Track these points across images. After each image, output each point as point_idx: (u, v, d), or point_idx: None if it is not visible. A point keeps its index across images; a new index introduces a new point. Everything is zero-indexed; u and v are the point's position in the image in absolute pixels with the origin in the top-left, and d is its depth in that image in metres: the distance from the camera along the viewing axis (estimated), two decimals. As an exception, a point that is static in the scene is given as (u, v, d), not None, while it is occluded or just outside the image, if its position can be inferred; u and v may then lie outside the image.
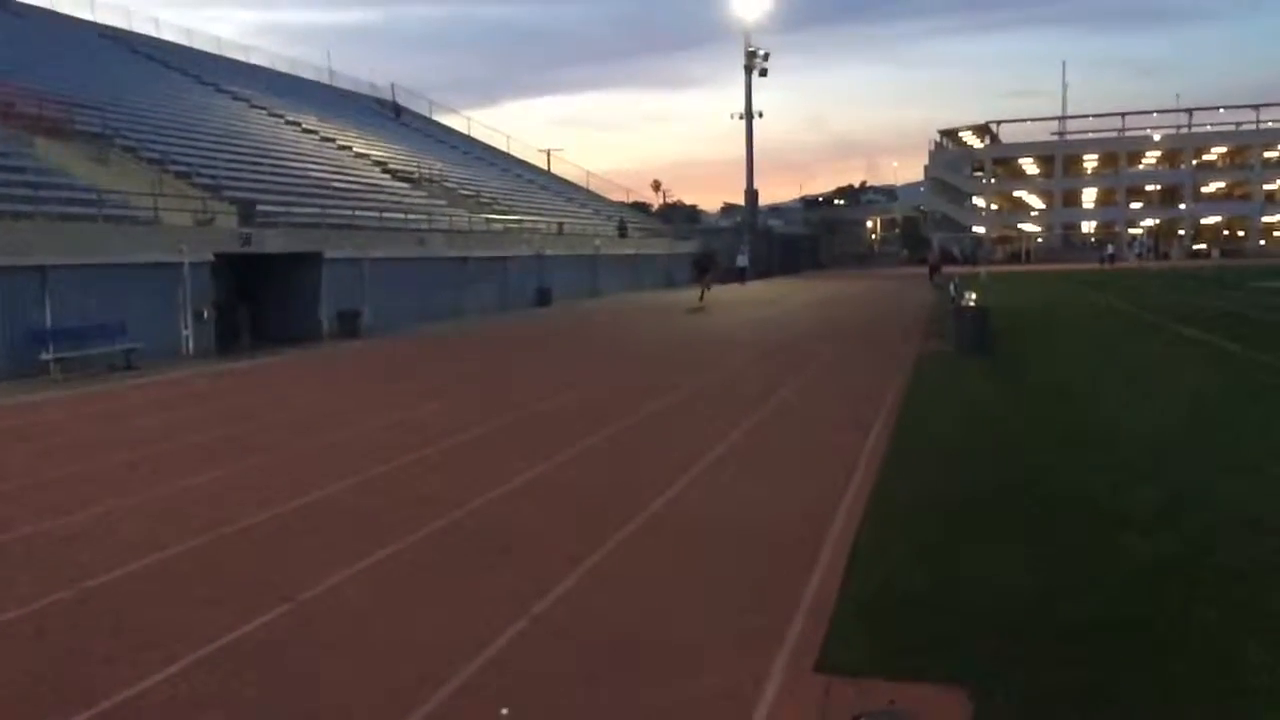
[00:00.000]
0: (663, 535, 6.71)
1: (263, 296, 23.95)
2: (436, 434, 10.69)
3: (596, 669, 4.57)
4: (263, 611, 5.33)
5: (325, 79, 56.37)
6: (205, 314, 20.82)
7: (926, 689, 4.25)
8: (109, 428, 12.12)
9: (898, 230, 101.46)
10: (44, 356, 16.70)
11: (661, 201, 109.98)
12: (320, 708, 4.29)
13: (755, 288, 46.48)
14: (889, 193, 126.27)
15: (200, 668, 4.66)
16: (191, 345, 20.35)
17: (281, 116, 39.87)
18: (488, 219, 37.32)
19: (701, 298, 34.14)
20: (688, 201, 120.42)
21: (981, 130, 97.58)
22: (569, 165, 66.21)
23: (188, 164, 25.63)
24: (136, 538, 6.91)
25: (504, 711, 4.11)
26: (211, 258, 20.93)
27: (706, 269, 37.56)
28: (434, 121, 61.30)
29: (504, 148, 61.48)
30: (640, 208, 77.73)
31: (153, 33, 46.06)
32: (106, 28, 43.40)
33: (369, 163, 38.67)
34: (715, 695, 4.28)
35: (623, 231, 50.97)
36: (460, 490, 7.96)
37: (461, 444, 10.22)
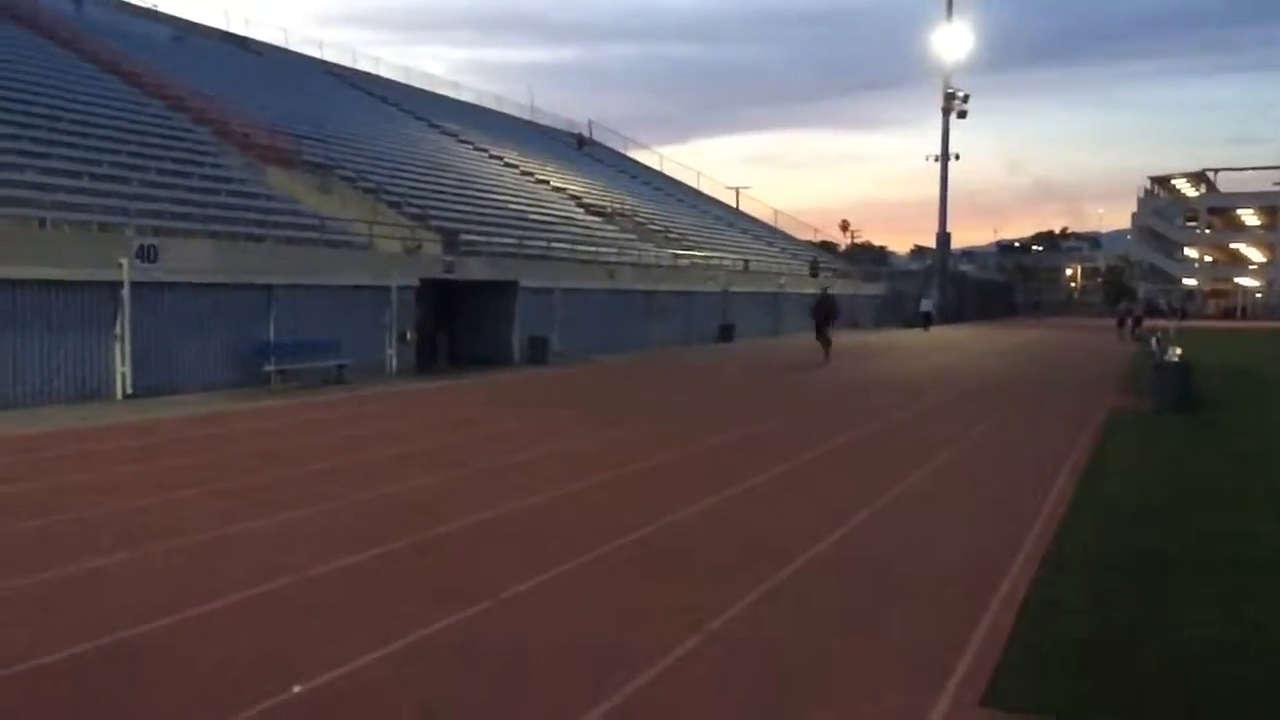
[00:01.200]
0: (833, 569, 6.83)
1: (460, 321, 25.27)
2: (619, 460, 11.11)
3: (764, 687, 4.77)
4: (464, 608, 5.78)
5: (527, 115, 58.91)
6: (408, 335, 22.15)
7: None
8: (323, 434, 13.13)
9: (1100, 279, 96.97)
10: (267, 368, 18.19)
11: (849, 242, 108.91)
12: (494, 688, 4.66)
13: (940, 333, 45.40)
14: (1092, 240, 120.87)
15: (405, 655, 5.12)
16: (395, 364, 21.68)
17: (486, 150, 41.93)
18: (675, 254, 38.03)
19: (827, 353, 26.34)
20: (876, 243, 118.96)
21: (1197, 178, 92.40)
22: (757, 203, 66.85)
23: (399, 194, 27.38)
24: (352, 534, 7.56)
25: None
26: (417, 283, 22.28)
27: (828, 315, 27.51)
28: (627, 157, 62.98)
29: (694, 184, 62.53)
30: (827, 247, 77.28)
31: (373, 70, 49.46)
32: (333, 65, 46.87)
33: (564, 196, 40.14)
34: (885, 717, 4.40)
35: (814, 271, 50.89)
36: (638, 514, 8.29)
37: (641, 470, 10.59)
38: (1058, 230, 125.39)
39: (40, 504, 8.50)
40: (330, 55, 47.92)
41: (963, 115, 61.70)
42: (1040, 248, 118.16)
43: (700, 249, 41.42)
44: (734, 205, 63.86)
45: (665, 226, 43.29)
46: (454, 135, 42.41)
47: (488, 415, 15.66)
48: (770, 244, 54.36)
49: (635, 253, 34.72)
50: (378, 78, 48.70)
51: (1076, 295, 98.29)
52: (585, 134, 62.33)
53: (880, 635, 5.53)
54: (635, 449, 11.97)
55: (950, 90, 61.54)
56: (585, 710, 4.44)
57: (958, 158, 62.78)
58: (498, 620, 5.68)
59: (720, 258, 41.38)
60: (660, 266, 34.89)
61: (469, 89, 64.30)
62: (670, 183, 60.00)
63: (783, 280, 44.22)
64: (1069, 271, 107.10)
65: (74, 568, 6.59)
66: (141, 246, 16.37)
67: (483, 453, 11.71)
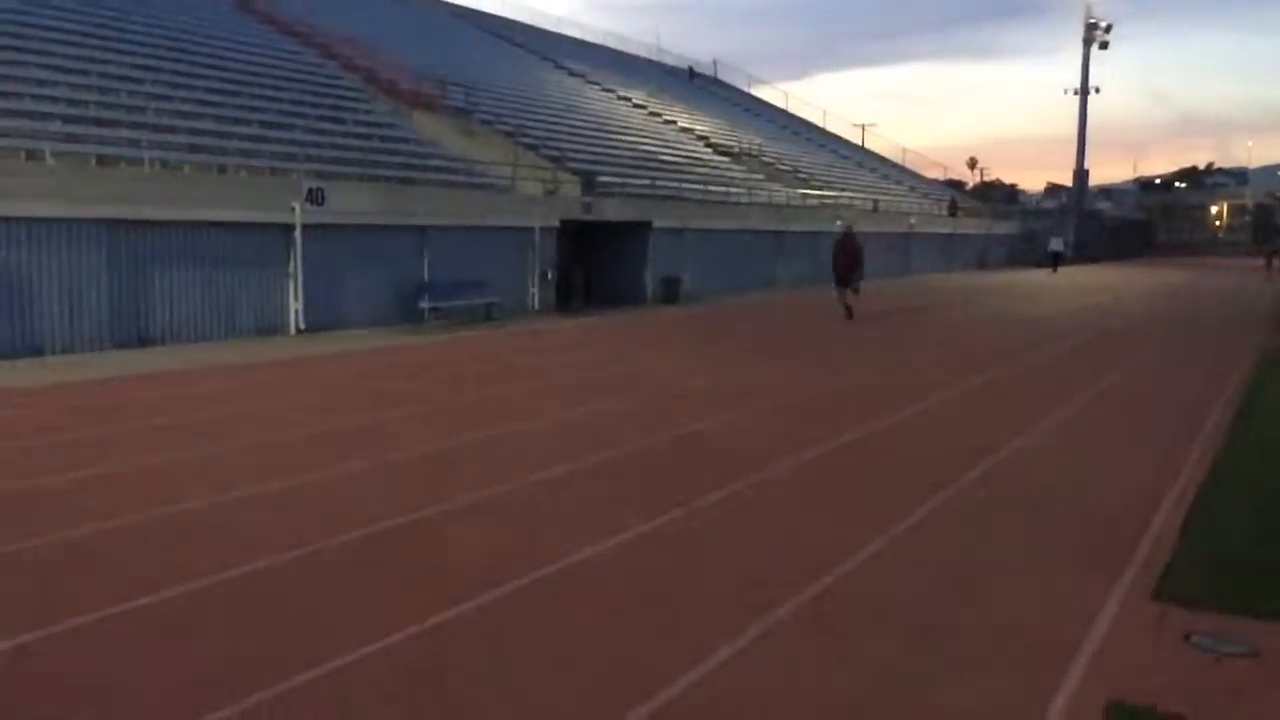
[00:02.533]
0: (993, 491, 7.25)
1: (595, 261, 26.00)
2: (769, 390, 11.66)
3: (945, 578, 5.27)
4: (661, 513, 6.43)
5: (647, 53, 58.92)
6: (549, 275, 22.99)
7: (1258, 624, 4.62)
8: (497, 362, 14.01)
9: (1248, 217, 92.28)
10: (422, 305, 19.23)
11: (979, 179, 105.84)
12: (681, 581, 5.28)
13: (1071, 274, 44.19)
14: (1239, 175, 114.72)
15: (627, 544, 5.79)
16: (537, 302, 22.57)
17: (613, 91, 42.35)
18: (804, 194, 37.97)
19: (848, 310, 20.88)
20: (1006, 180, 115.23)
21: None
22: (882, 140, 65.66)
23: (537, 137, 28.10)
24: (544, 452, 8.31)
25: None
26: (557, 224, 23.04)
27: (851, 264, 21.40)
28: (751, 96, 62.54)
29: (819, 123, 61.80)
30: (955, 186, 75.46)
31: (500, 12, 50.17)
32: (457, 6, 47.60)
33: (692, 136, 40.35)
34: (1059, 613, 4.86)
35: (953, 210, 50.20)
36: (793, 442, 8.82)
37: (810, 396, 11.11)
38: (1202, 166, 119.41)
39: (282, 419, 9.54)
40: (458, -1, 48.78)
41: (1104, 46, 59.28)
42: (1183, 184, 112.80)
43: (828, 189, 41.20)
44: (859, 143, 62.95)
45: (793, 166, 43.13)
46: (582, 76, 42.92)
47: (644, 348, 16.34)
48: (899, 183, 53.55)
49: (765, 193, 34.84)
50: (506, 20, 49.40)
51: (1222, 234, 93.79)
52: (709, 70, 62.07)
53: (1050, 542, 5.96)
54: (798, 378, 12.54)
55: (1092, 20, 59.09)
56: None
57: (1097, 91, 60.45)
58: (715, 522, 6.31)
59: (849, 197, 41.12)
60: (789, 206, 34.95)
61: (592, 29, 64.50)
62: (795, 121, 59.44)
63: (913, 220, 43.67)
64: (1214, 209, 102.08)
65: (325, 473, 7.48)
66: (310, 190, 17.46)
67: (654, 380, 12.49)
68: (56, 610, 4.72)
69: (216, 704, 3.82)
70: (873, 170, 53.77)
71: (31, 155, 15.00)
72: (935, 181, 62.33)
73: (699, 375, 13.07)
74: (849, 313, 20.81)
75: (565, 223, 23.48)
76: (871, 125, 67.23)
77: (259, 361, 13.96)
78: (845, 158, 53.73)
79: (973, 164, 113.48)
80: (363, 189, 19.17)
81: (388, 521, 6.24)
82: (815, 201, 37.77)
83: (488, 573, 5.31)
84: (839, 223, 21.06)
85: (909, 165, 62.03)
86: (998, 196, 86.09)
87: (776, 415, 10.24)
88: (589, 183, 25.53)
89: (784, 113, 60.91)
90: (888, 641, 4.52)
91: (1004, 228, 56.54)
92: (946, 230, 47.67)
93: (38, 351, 13.79)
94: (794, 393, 11.64)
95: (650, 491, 7.08)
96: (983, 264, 50.23)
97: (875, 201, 42.88)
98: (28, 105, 16.53)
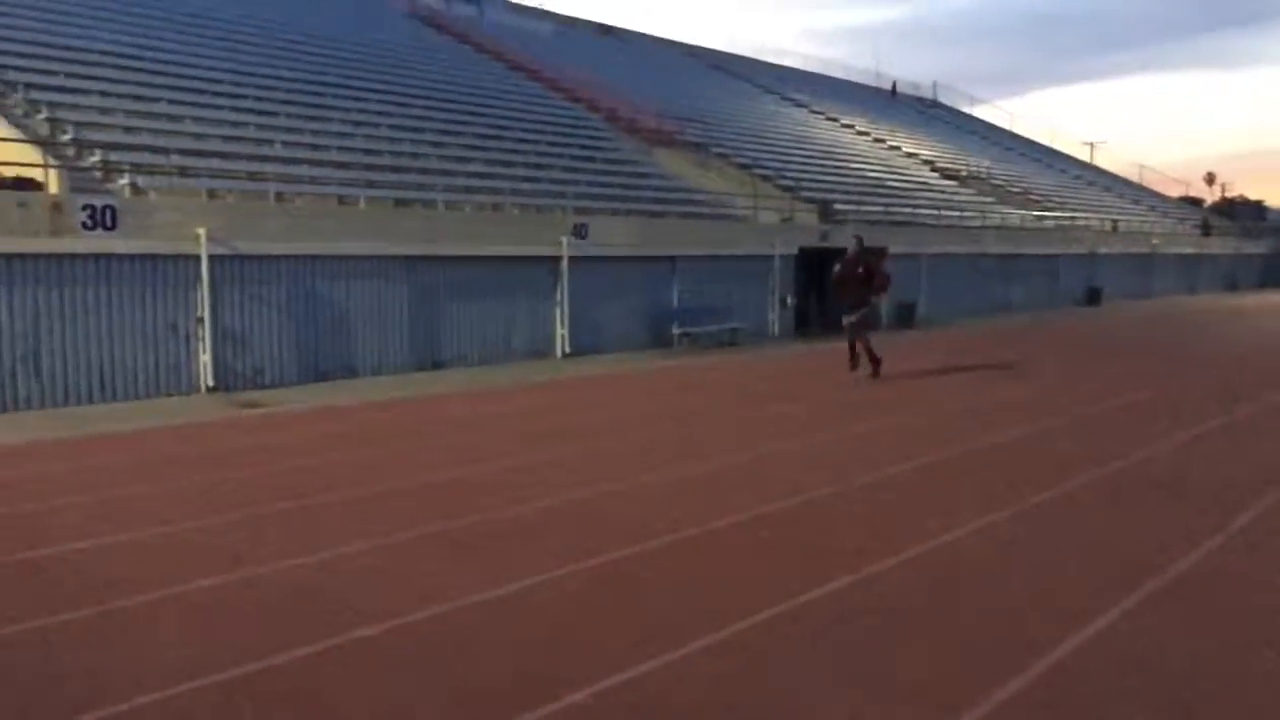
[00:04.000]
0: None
1: (829, 288, 26.44)
2: (1031, 415, 11.93)
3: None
4: (1004, 508, 7.00)
5: (872, 81, 58.94)
6: (788, 300, 23.70)
7: None
8: (774, 382, 14.85)
9: None
10: (674, 330, 20.32)
11: (1219, 196, 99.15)
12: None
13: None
14: None
15: (935, 553, 6.39)
16: (776, 328, 23.31)
17: (836, 120, 42.76)
18: (1037, 216, 37.16)
19: (852, 359, 15.42)
20: (1250, 196, 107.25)
21: None
22: (1113, 158, 62.92)
23: (771, 168, 28.95)
24: (787, 477, 9.00)
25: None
26: (796, 251, 23.73)
27: (862, 287, 15.52)
28: (973, 117, 61.40)
29: (1046, 141, 59.97)
30: (1193, 203, 71.19)
31: (724, 48, 51.56)
32: (683, 45, 49.31)
33: (917, 161, 40.21)
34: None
35: (1205, 230, 47.89)
36: (1096, 453, 9.14)
37: (1091, 415, 11.35)
38: None
39: (590, 429, 10.68)
40: (673, 34, 50.52)
41: (1369, 48, 54.67)
42: None
43: (1062, 210, 40.10)
44: (1089, 161, 60.60)
45: (1023, 188, 42.21)
46: (805, 106, 43.55)
47: (906, 370, 16.81)
48: (1136, 201, 51.26)
49: (997, 215, 34.39)
50: (731, 55, 50.68)
51: None
52: (924, 91, 61.41)
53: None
54: (1066, 397, 12.87)
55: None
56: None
57: (1361, 97, 55.78)
58: (1041, 519, 6.86)
59: (1085, 218, 39.88)
60: (1024, 229, 34.34)
61: (807, 57, 65.04)
62: (1020, 141, 57.92)
63: (1155, 241, 41.83)
64: None
65: (690, 468, 8.46)
66: (576, 225, 18.88)
67: (941, 398, 13.27)
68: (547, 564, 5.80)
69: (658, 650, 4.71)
70: (1107, 189, 51.73)
71: (343, 200, 17.03)
72: (1175, 199, 59.20)
73: (979, 393, 13.48)
74: (853, 360, 15.24)
75: (802, 250, 24.13)
76: (1101, 142, 64.34)
77: (546, 381, 15.35)
78: (1076, 177, 51.94)
79: (1210, 180, 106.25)
80: (618, 223, 20.47)
81: (773, 505, 7.19)
82: (1050, 223, 36.88)
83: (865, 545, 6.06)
84: (853, 237, 16.53)
85: (1145, 183, 59.20)
86: (1243, 214, 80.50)
87: (1070, 429, 10.57)
88: (825, 210, 26.11)
89: (1008, 133, 59.46)
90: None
91: (1253, 247, 53.07)
92: (1191, 250, 45.31)
93: (353, 373, 15.62)
94: (1081, 409, 11.91)
95: (989, 486, 7.70)
96: (1231, 285, 47.36)
97: (1114, 222, 41.34)
98: (334, 156, 18.70)
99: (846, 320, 15.54)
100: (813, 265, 25.77)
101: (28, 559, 6.27)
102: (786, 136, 34.91)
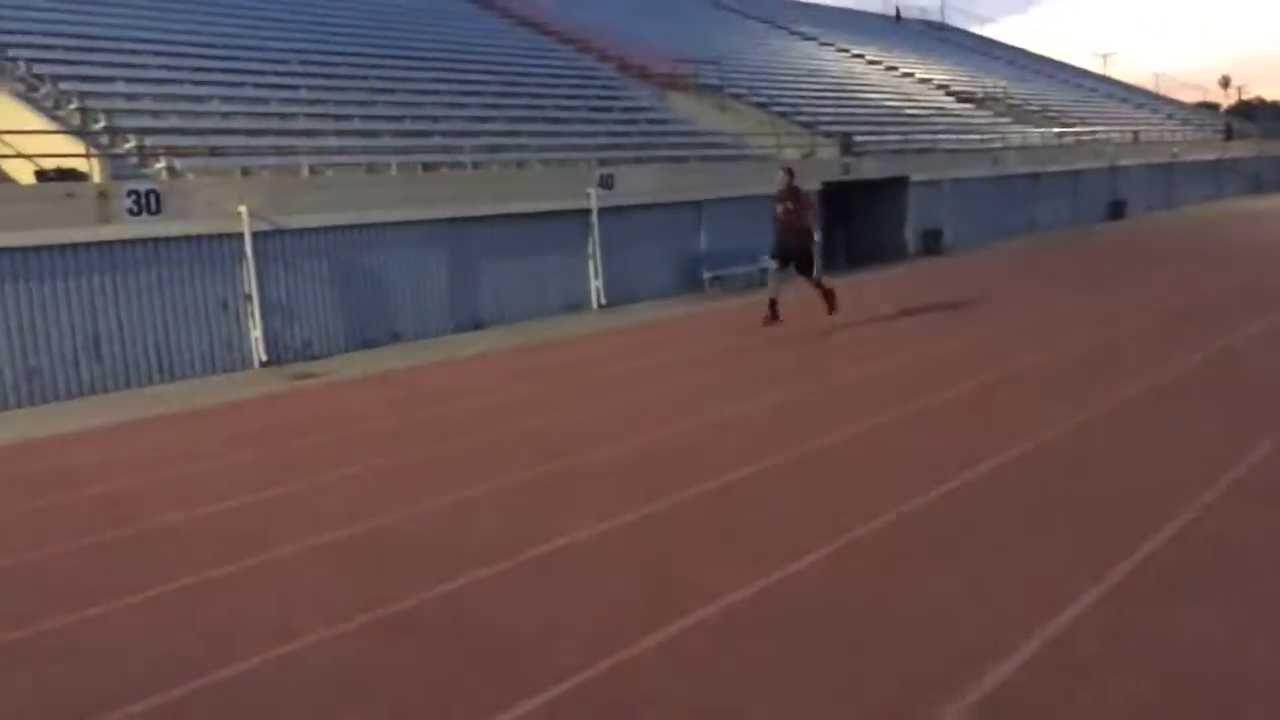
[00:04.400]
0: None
1: (854, 219, 26.50)
2: (1097, 323, 12.09)
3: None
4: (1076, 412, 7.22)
5: (875, 6, 58.23)
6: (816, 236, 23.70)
7: None
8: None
9: None
10: (704, 275, 20.47)
11: (1236, 99, 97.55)
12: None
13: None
14: None
15: (1019, 462, 6.62)
16: (806, 264, 23.37)
17: (847, 50, 42.32)
18: (1058, 133, 36.84)
19: (773, 309, 13.70)
20: (1268, 98, 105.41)
21: None
22: (1126, 69, 62.09)
23: (788, 104, 28.81)
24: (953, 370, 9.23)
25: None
26: (820, 187, 23.70)
27: (800, 230, 14.00)
28: (982, 38, 60.59)
29: (1057, 56, 59.19)
30: (1209, 108, 70.21)
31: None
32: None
33: (931, 87, 39.82)
34: None
35: (1228, 134, 47.38)
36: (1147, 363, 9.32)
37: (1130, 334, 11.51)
38: None
39: (651, 372, 10.93)
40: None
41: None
42: None
43: (1081, 124, 39.70)
44: (1102, 73, 59.79)
45: (1040, 105, 41.75)
46: (813, 39, 43.09)
47: (947, 292, 16.96)
48: (1154, 111, 50.62)
49: (1018, 135, 34.15)
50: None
51: None
52: (939, 20, 60.60)
53: None
54: (1131, 301, 13.01)
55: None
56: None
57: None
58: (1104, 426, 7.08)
59: (1104, 131, 39.49)
60: (1044, 147, 34.09)
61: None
62: (1033, 58, 57.12)
63: (1176, 149, 41.41)
64: None
65: (712, 416, 8.72)
66: (602, 176, 18.98)
67: (995, 313, 13.66)
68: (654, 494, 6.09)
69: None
70: (1124, 101, 51.06)
71: (372, 169, 17.18)
72: (1192, 106, 58.40)
73: (1025, 309, 13.64)
74: (773, 313, 13.60)
75: (825, 185, 24.12)
76: (1112, 53, 63.56)
77: (590, 332, 15.60)
78: (1092, 90, 51.28)
79: (1226, 83, 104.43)
80: (642, 171, 20.53)
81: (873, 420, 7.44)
82: (1070, 139, 36.55)
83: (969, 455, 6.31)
84: (783, 167, 14.95)
85: (1162, 92, 58.43)
86: (1263, 115, 79.27)
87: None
88: (846, 144, 26.03)
89: (1019, 50, 58.66)
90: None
91: (1276, 148, 52.35)
92: (1213, 156, 44.79)
93: (397, 338, 15.89)
94: (1133, 319, 12.05)
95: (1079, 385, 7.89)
96: (1257, 188, 46.85)
97: (1135, 133, 40.92)
98: (358, 125, 18.82)
99: (774, 267, 14.07)
100: (835, 199, 25.84)
101: (160, 526, 6.61)
102: (799, 71, 34.66)
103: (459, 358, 13.95)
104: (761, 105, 28.05)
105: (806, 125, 27.03)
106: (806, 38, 43.00)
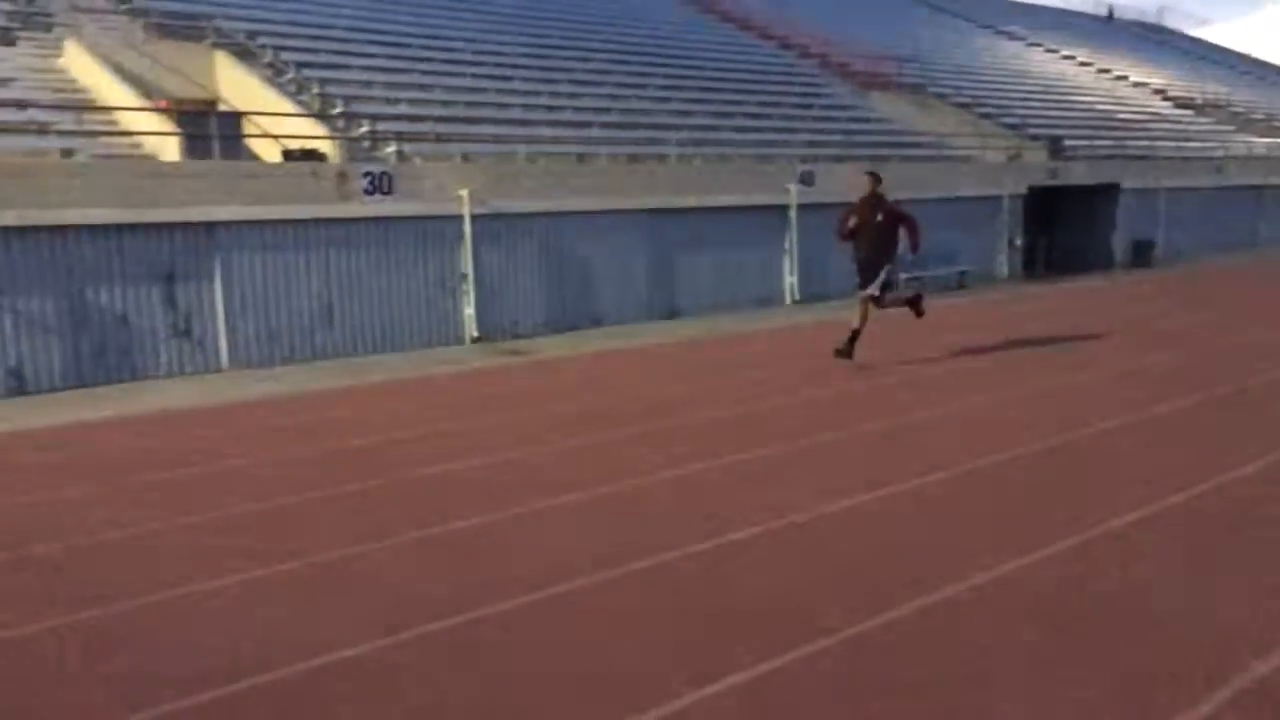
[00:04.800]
0: None
1: (1059, 226, 25.58)
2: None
3: None
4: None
5: (1086, 6, 55.72)
6: (1016, 242, 23.08)
7: None
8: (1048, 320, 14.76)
9: None
10: (903, 276, 20.19)
11: None
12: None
13: None
14: None
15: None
16: (1005, 269, 22.77)
17: (1056, 51, 40.76)
18: (1287, 143, 34.48)
19: (852, 339, 11.43)
20: None
21: None
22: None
23: (994, 106, 28.06)
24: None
25: None
26: (1025, 191, 23.03)
27: (879, 242, 11.65)
28: (1201, 41, 57.11)
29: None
30: None
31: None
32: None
33: (1146, 91, 37.91)
34: None
35: None
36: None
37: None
38: None
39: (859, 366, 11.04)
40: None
41: None
42: None
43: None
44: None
45: (1266, 114, 39.13)
46: (1021, 39, 41.69)
47: (1165, 308, 16.31)
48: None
49: (1241, 144, 32.15)
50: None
51: None
52: (1152, 18, 57.47)
53: None
54: None
55: None
56: None
57: None
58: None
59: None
60: (1270, 158, 31.94)
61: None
62: (1256, 64, 53.45)
63: None
64: None
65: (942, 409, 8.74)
66: (803, 172, 19.03)
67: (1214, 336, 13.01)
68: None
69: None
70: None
71: (582, 159, 17.78)
72: None
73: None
74: (851, 344, 11.35)
75: (1030, 190, 23.40)
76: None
77: (793, 324, 15.70)
78: (1329, 99, 47.59)
79: None
80: (840, 169, 20.43)
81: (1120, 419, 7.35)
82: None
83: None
84: (869, 174, 12.39)
85: None
86: None
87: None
88: (1054, 147, 25.16)
89: (1243, 55, 55.01)
90: None
91: None
92: None
93: (598, 323, 16.40)
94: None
95: None
96: None
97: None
98: (568, 116, 19.48)
99: (866, 292, 11.44)
100: (1042, 204, 25.02)
101: (419, 477, 7.21)
102: (1006, 71, 33.65)
103: (663, 342, 14.31)
104: (964, 106, 27.41)
105: (1012, 127, 26.26)
106: (1014, 37, 41.66)
